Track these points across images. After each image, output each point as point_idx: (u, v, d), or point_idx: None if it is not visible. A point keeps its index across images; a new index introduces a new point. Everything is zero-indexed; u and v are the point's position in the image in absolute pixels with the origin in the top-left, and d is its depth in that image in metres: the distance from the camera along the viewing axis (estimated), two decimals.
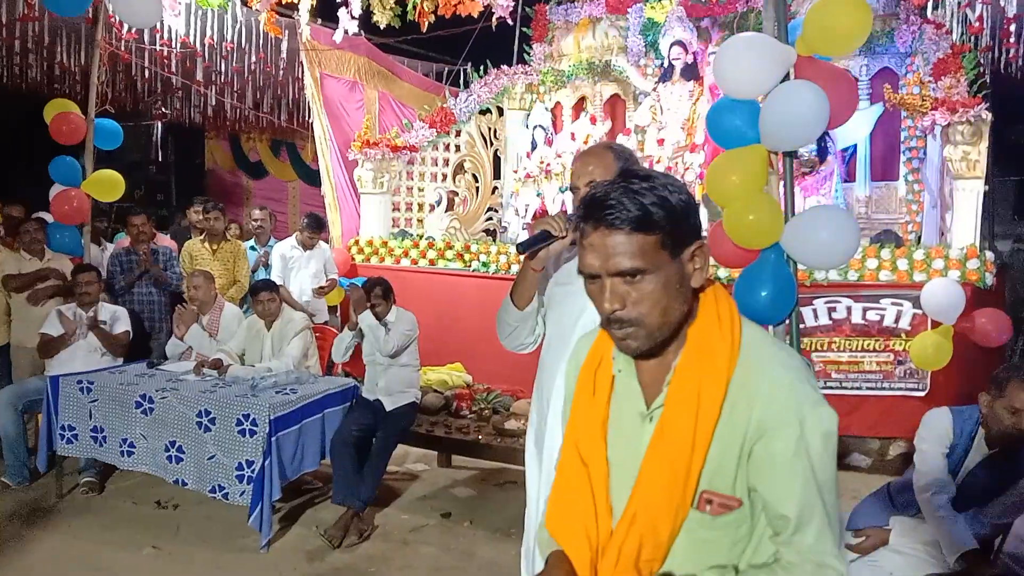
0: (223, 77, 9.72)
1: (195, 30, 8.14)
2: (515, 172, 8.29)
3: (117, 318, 5.43)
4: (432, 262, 7.30)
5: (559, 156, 7.73)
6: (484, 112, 8.69)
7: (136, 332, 5.59)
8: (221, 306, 5.58)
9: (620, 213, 1.36)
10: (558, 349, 2.46)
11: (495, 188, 8.89)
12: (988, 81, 6.64)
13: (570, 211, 2.43)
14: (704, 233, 2.38)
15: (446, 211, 8.52)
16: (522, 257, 2.39)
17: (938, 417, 3.15)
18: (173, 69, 9.22)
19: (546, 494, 2.43)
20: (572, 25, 8.49)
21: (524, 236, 2.26)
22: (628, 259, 1.37)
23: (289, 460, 4.40)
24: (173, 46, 8.63)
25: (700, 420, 1.39)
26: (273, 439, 4.23)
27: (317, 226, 7.05)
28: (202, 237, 6.66)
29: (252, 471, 4.23)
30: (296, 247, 7.03)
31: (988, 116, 5.67)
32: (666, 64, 7.66)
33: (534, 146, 8.18)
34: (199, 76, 9.33)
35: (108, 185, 5.70)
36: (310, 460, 4.61)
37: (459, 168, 8.69)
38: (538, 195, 7.78)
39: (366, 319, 4.82)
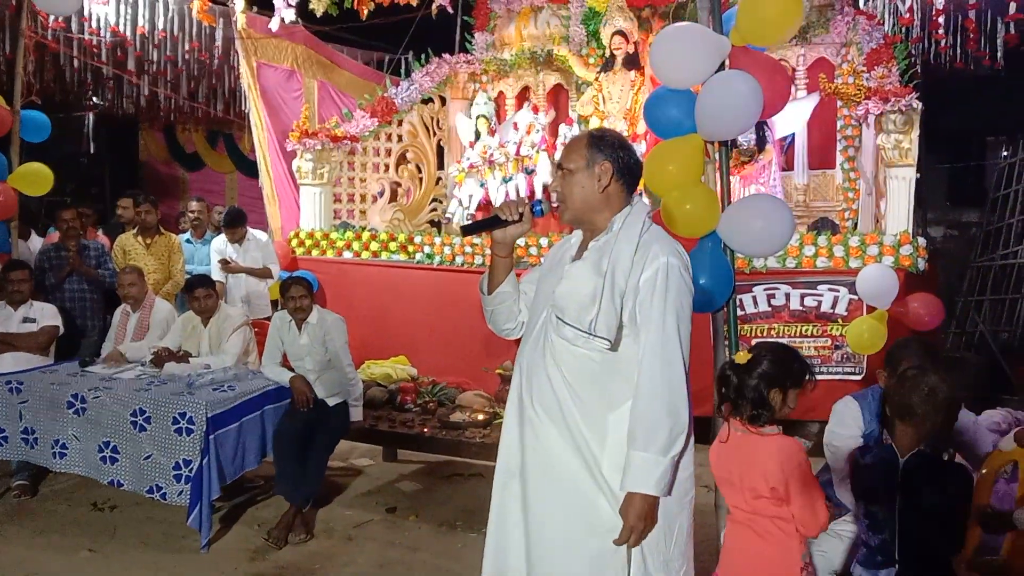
0: (156, 67, 9.49)
1: (125, 18, 7.91)
2: (458, 162, 8.24)
3: (45, 315, 5.28)
4: (375, 254, 7.22)
5: (502, 146, 7.71)
6: (426, 101, 8.61)
7: (67, 330, 5.43)
8: (151, 303, 5.45)
9: None
10: (522, 342, 2.49)
11: (439, 179, 8.82)
12: (919, 71, 6.81)
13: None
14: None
15: (389, 202, 8.43)
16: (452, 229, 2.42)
17: (845, 408, 3.19)
18: (104, 59, 8.97)
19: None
20: (514, 14, 8.46)
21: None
22: None
23: (229, 459, 4.32)
24: (102, 35, 8.38)
25: None
26: (211, 437, 4.15)
27: (231, 222, 6.86)
28: (135, 231, 6.50)
29: (190, 470, 4.14)
30: (228, 243, 6.90)
31: (919, 105, 5.79)
32: (608, 54, 7.69)
33: (477, 136, 8.14)
34: (131, 66, 9.10)
35: (36, 179, 5.55)
36: (252, 458, 4.54)
37: (402, 158, 8.60)
38: (481, 185, 7.74)
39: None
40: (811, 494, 2.41)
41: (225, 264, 6.72)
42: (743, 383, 2.47)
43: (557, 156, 6.67)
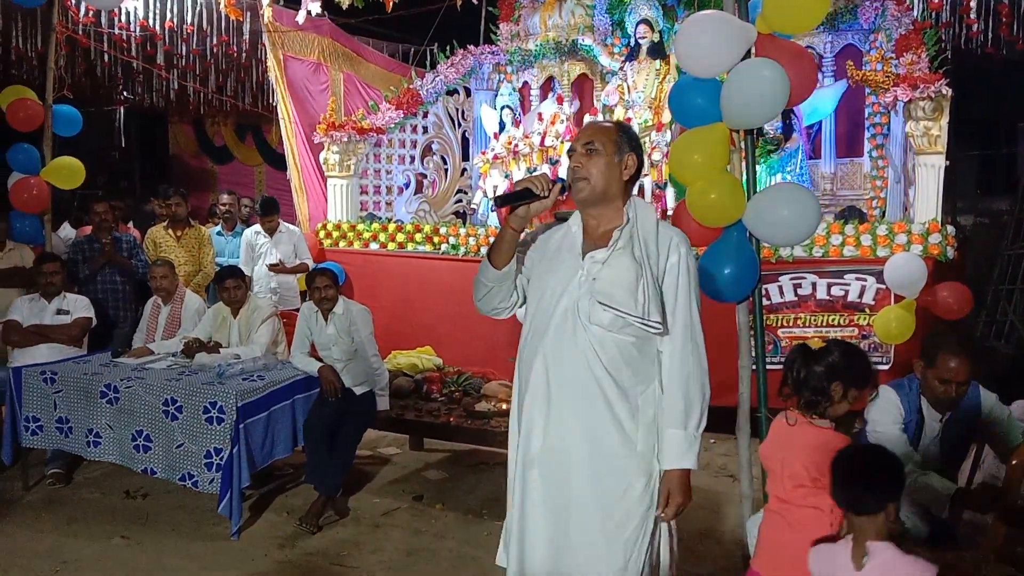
0: (185, 61, 9.58)
1: (154, 13, 8.00)
2: (483, 153, 8.26)
3: (79, 307, 5.37)
4: (401, 245, 7.26)
5: (527, 137, 7.71)
6: (451, 93, 8.64)
7: (100, 321, 5.53)
8: (182, 296, 5.53)
9: None
10: (536, 331, 2.47)
11: (464, 170, 8.85)
12: (948, 57, 6.71)
13: (562, 174, 2.44)
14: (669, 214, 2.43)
15: (415, 194, 8.48)
16: (498, 212, 2.43)
17: (884, 397, 3.19)
18: (133, 53, 9.07)
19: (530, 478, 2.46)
20: (538, 4, 8.44)
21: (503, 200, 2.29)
22: None
23: (259, 447, 4.38)
24: (132, 29, 8.48)
25: None
26: (241, 426, 4.20)
27: (267, 209, 6.94)
28: (165, 223, 6.58)
29: (220, 459, 4.20)
30: (261, 232, 6.98)
31: (948, 92, 5.72)
32: (633, 43, 7.66)
33: (502, 127, 8.14)
34: (160, 60, 9.19)
35: (68, 172, 5.63)
36: (282, 447, 4.60)
37: (427, 150, 8.64)
38: (506, 176, 7.75)
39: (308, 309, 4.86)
40: None
41: (274, 267, 6.81)
42: (809, 369, 2.49)
43: (575, 137, 6.63)
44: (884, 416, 3.14)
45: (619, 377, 2.36)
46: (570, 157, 2.47)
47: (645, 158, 6.98)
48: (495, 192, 7.79)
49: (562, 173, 7.34)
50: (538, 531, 2.42)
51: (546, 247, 2.52)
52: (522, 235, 2.48)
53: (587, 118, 7.70)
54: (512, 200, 2.34)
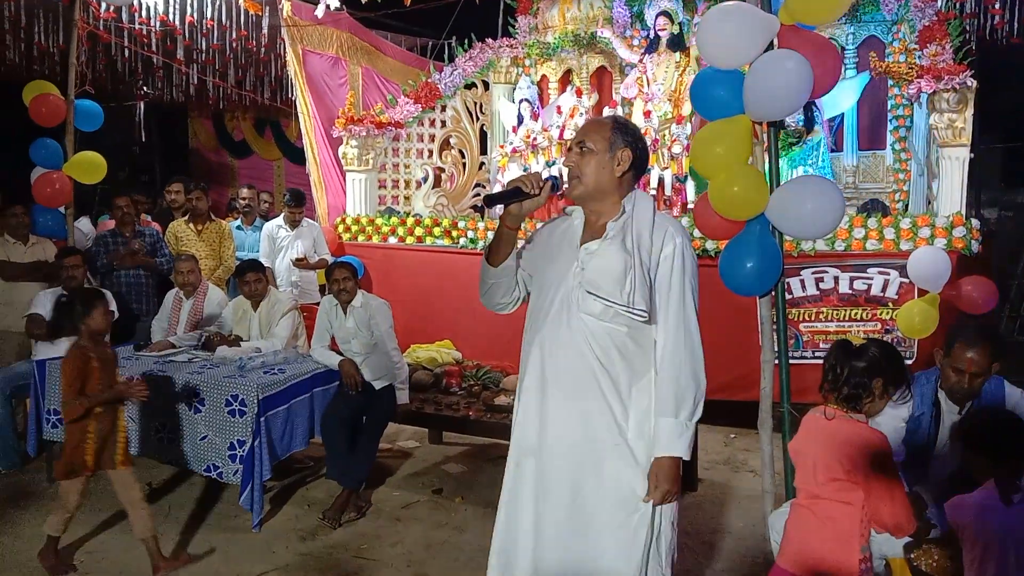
0: (204, 55, 9.60)
1: (174, 8, 8.04)
2: (501, 147, 8.24)
3: None
4: (420, 239, 7.26)
5: (545, 130, 7.68)
6: (469, 86, 8.62)
7: (122, 315, 5.56)
8: (205, 290, 5.56)
9: None
10: (535, 320, 2.52)
11: (482, 164, 8.83)
12: (973, 48, 6.62)
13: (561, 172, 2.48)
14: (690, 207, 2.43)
15: (433, 188, 8.47)
16: (495, 211, 2.47)
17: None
18: (153, 48, 9.11)
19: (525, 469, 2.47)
20: None
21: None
22: None
23: (279, 439, 4.41)
24: (152, 24, 8.53)
25: None
26: (262, 419, 4.23)
27: (299, 200, 7.01)
28: (186, 218, 6.62)
29: (243, 451, 4.23)
30: (283, 226, 7.01)
31: (973, 83, 5.64)
32: (652, 35, 7.61)
33: (520, 120, 8.12)
34: (180, 55, 9.23)
35: (90, 167, 5.68)
36: (299, 439, 4.62)
37: (445, 144, 8.63)
38: (524, 170, 7.72)
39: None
40: (891, 488, 2.40)
41: (299, 261, 6.86)
42: (851, 365, 2.49)
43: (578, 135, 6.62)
44: (889, 407, 3.12)
45: (611, 367, 2.39)
46: (569, 153, 2.52)
47: (664, 151, 6.97)
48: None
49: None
50: (528, 522, 2.45)
51: (549, 241, 2.58)
52: (527, 232, 2.51)
53: (606, 111, 7.66)
54: (501, 199, 2.38)
